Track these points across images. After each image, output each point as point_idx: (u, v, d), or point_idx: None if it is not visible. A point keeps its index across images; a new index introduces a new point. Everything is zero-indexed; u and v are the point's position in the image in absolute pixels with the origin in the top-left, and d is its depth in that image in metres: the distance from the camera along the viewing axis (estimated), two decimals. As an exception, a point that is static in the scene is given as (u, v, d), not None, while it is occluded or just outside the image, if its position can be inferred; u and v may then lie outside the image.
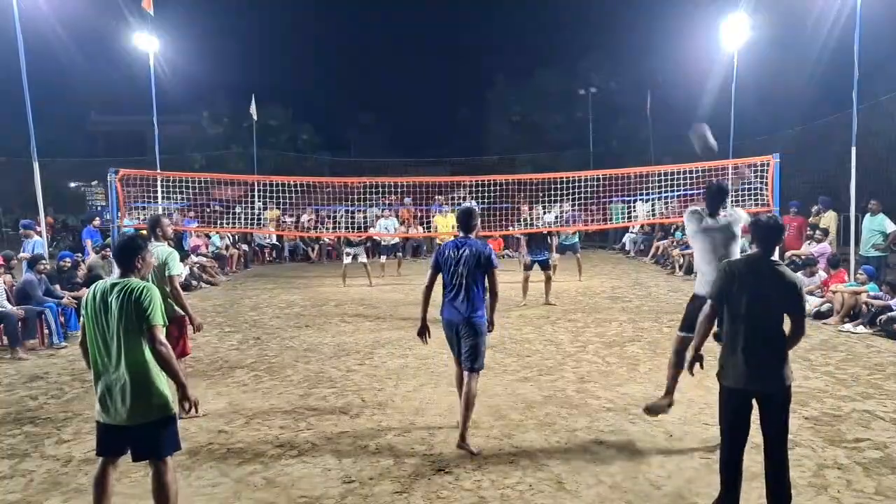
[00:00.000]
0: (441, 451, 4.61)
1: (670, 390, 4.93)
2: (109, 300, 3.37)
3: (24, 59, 9.93)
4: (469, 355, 4.69)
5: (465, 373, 4.71)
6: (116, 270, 3.61)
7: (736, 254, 4.72)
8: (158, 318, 3.36)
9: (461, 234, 4.91)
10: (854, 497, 3.85)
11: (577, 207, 13.10)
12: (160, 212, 13.38)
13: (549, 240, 11.20)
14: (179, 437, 3.55)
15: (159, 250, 5.25)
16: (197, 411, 3.64)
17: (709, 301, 3.71)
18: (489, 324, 4.82)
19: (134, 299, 3.34)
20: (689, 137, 6.25)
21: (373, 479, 4.20)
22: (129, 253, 3.57)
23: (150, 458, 3.40)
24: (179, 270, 5.38)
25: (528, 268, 10.77)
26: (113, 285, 3.44)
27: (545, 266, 10.63)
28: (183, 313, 5.29)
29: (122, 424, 3.33)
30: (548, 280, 10.67)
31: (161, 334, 3.35)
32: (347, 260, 13.09)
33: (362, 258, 13.08)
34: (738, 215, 4.93)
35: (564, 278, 13.15)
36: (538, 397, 5.79)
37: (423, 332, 4.90)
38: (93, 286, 3.56)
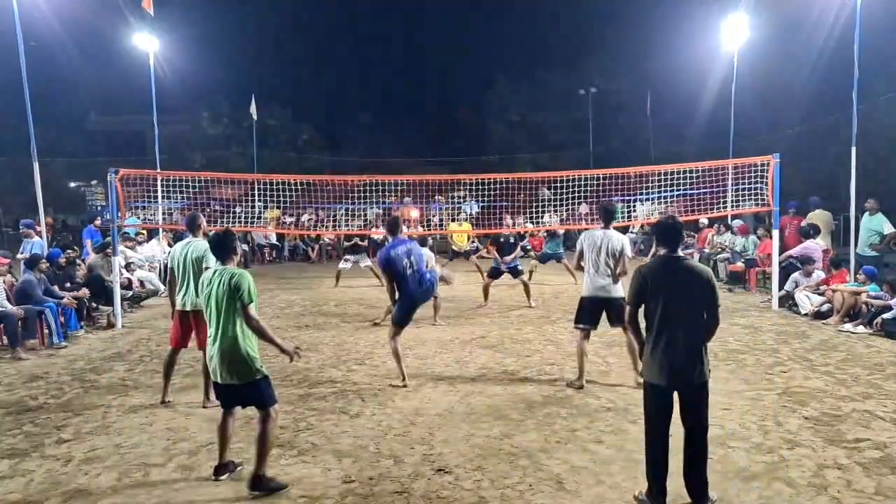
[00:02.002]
0: (441, 451, 4.62)
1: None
2: (213, 284, 4.06)
3: (24, 60, 9.92)
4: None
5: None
6: (215, 261, 4.31)
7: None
8: (247, 297, 3.98)
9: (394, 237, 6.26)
10: (854, 497, 3.85)
11: (571, 208, 13.04)
12: (160, 212, 13.41)
13: (517, 246, 11.14)
14: (273, 392, 4.14)
15: (196, 244, 5.65)
16: (300, 357, 4.35)
17: (628, 306, 3.95)
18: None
19: (232, 283, 3.99)
20: None
21: (373, 479, 4.20)
22: (225, 246, 4.21)
23: (256, 407, 4.09)
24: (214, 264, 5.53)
25: (492, 276, 10.62)
26: (216, 272, 4.13)
27: (516, 273, 10.52)
28: None
29: (227, 383, 4.05)
30: (525, 285, 10.59)
31: (252, 311, 4.00)
32: (345, 266, 12.98)
33: (364, 263, 12.95)
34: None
35: (559, 281, 13.17)
36: (538, 397, 5.79)
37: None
38: (206, 273, 4.32)
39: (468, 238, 14.56)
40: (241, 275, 4.07)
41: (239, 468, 4.28)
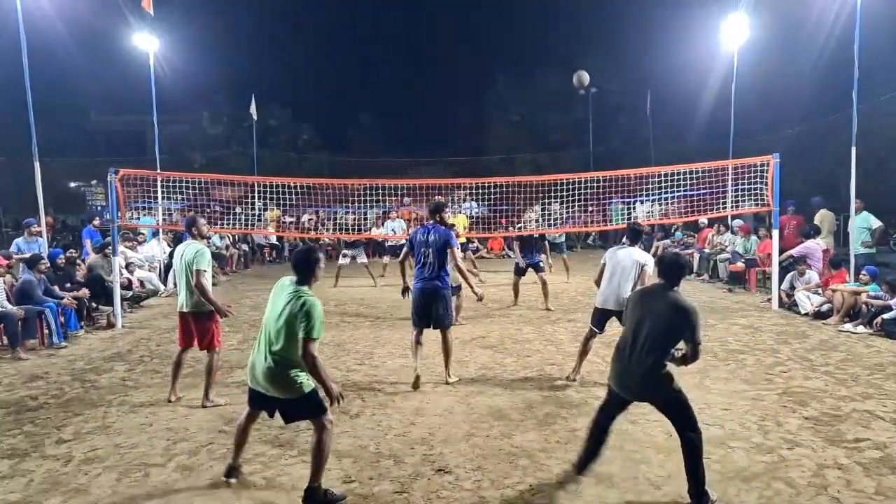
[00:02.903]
0: (441, 451, 4.62)
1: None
2: (286, 299, 3.87)
3: (26, 60, 9.91)
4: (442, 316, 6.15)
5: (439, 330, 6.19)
6: (293, 276, 4.06)
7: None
8: (315, 331, 3.76)
9: (430, 223, 6.27)
10: (854, 497, 3.85)
11: (570, 209, 13.06)
12: (160, 211, 13.39)
13: (541, 242, 11.13)
14: (323, 401, 3.93)
15: (191, 247, 5.69)
16: (340, 403, 4.00)
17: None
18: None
19: (303, 308, 3.78)
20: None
21: (373, 479, 4.20)
22: (308, 265, 4.01)
23: (309, 420, 3.95)
24: (206, 266, 5.61)
25: (519, 272, 10.56)
26: (293, 289, 3.92)
27: (539, 269, 10.42)
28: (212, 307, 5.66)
29: (269, 395, 3.90)
30: (544, 284, 10.43)
31: (314, 347, 3.77)
32: (344, 261, 13.05)
33: (362, 259, 13.07)
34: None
35: (552, 280, 13.17)
36: (538, 397, 5.79)
37: (405, 291, 6.40)
38: (283, 282, 4.09)
39: (463, 227, 14.53)
40: (314, 304, 3.82)
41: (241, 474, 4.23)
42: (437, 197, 9.37)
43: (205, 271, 5.57)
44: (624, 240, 6.41)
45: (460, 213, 16.05)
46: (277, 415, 4.03)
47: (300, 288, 3.93)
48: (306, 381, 3.88)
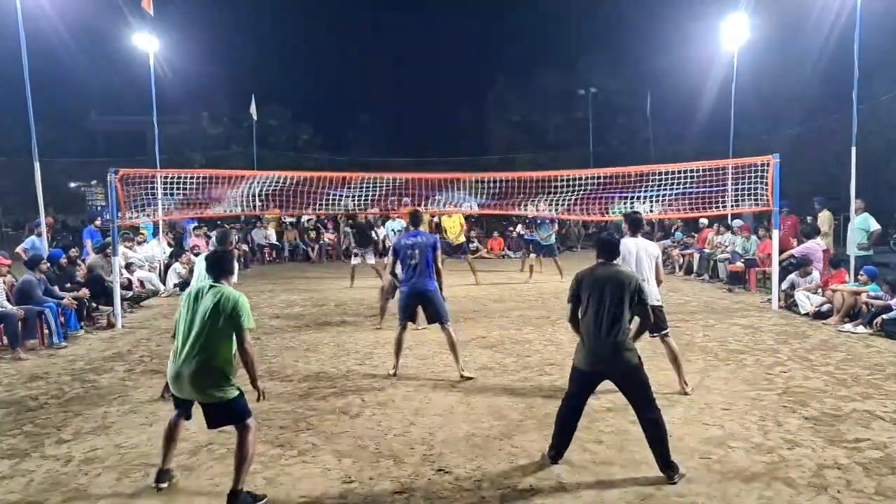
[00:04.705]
0: (441, 451, 4.62)
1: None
2: (204, 301, 3.89)
3: (26, 60, 9.91)
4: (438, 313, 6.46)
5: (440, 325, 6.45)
6: (207, 280, 4.09)
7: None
8: (249, 322, 3.89)
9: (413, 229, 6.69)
10: (854, 497, 3.85)
11: (559, 206, 13.04)
12: (160, 210, 13.39)
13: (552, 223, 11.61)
14: (247, 404, 3.98)
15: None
16: (263, 399, 4.09)
17: (568, 304, 4.49)
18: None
19: (230, 304, 3.85)
20: None
21: (373, 479, 4.20)
22: (223, 265, 4.10)
23: (234, 425, 3.92)
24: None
25: (533, 251, 11.57)
26: (210, 288, 3.94)
27: (551, 253, 11.64)
28: None
29: (194, 400, 3.94)
30: (556, 264, 11.23)
31: (250, 338, 3.91)
32: (356, 261, 13.01)
33: (370, 259, 12.95)
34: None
35: (545, 279, 13.20)
36: (538, 397, 5.79)
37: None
38: (194, 286, 4.17)
39: (461, 229, 14.51)
40: (241, 298, 3.91)
41: (175, 479, 4.13)
42: (419, 208, 9.91)
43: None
44: (624, 230, 6.12)
45: (458, 208, 15.97)
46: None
47: (219, 286, 3.97)
48: (234, 385, 3.89)
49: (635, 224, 6.07)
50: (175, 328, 4.06)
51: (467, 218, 16.71)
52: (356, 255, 13.13)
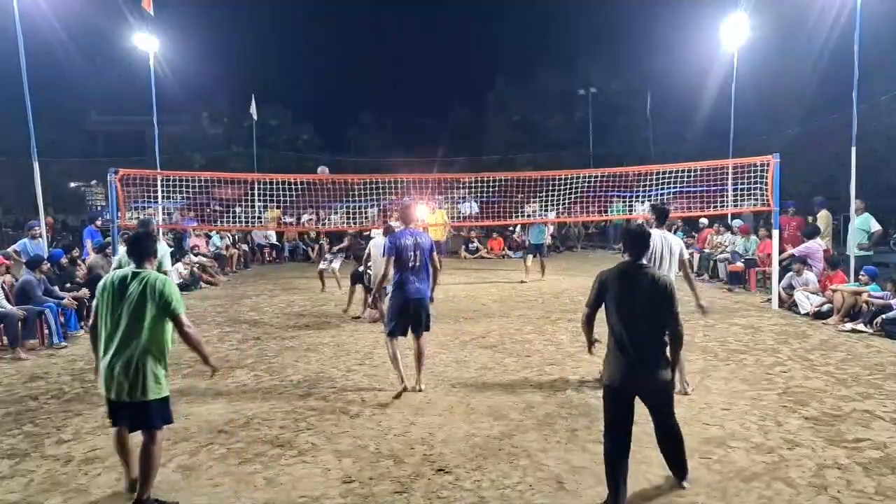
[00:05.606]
0: (441, 451, 4.62)
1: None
2: (129, 288, 3.70)
3: (24, 60, 9.92)
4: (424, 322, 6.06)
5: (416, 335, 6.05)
6: (129, 265, 3.91)
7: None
8: (179, 306, 3.75)
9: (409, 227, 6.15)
10: (854, 497, 3.85)
11: (567, 205, 13.09)
12: (160, 211, 13.39)
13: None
14: (170, 413, 3.91)
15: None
16: (216, 372, 4.11)
17: (586, 307, 4.04)
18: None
19: (157, 289, 3.70)
20: None
21: (373, 479, 4.20)
22: (142, 247, 3.90)
23: (143, 429, 3.79)
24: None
25: (530, 252, 11.72)
26: (132, 275, 3.76)
27: (542, 252, 11.74)
28: None
29: (125, 401, 3.72)
30: (541, 265, 11.41)
31: (186, 319, 3.79)
32: (323, 265, 12.53)
33: (335, 264, 12.37)
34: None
35: (536, 278, 13.21)
36: (538, 397, 5.79)
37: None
38: (114, 273, 3.88)
39: (444, 229, 14.56)
40: (168, 282, 3.76)
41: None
42: (413, 201, 9.95)
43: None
44: (651, 221, 5.87)
45: (440, 208, 15.99)
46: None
47: (143, 271, 3.80)
48: (165, 384, 3.80)
49: (662, 215, 5.90)
50: (94, 322, 3.88)
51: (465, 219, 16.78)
52: (325, 259, 12.89)
